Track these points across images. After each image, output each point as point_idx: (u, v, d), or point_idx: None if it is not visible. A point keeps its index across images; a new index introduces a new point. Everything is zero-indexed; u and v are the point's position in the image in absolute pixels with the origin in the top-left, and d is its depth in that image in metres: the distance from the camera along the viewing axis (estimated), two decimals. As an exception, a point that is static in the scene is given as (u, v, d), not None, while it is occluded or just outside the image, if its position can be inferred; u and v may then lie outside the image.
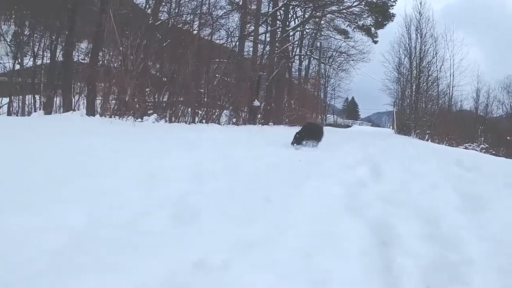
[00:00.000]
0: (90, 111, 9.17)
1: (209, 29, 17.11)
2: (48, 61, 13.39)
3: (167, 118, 9.40)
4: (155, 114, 8.85)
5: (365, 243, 2.76)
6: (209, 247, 2.44)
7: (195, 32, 15.54)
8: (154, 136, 6.60)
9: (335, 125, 42.39)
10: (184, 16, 16.51)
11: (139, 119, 8.37)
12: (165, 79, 9.97)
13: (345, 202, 3.75)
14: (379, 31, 29.30)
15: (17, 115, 10.14)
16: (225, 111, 14.16)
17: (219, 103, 13.17)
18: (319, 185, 4.33)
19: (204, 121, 10.94)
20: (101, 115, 7.99)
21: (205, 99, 13.01)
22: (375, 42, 30.37)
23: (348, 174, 5.19)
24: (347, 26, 28.16)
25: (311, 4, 24.45)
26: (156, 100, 9.49)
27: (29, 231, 2.41)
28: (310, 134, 8.68)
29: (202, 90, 13.22)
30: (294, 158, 6.51)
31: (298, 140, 8.42)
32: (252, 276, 2.16)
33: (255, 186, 4.11)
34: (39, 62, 14.52)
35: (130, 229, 2.67)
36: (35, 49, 11.38)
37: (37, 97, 11.10)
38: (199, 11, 17.21)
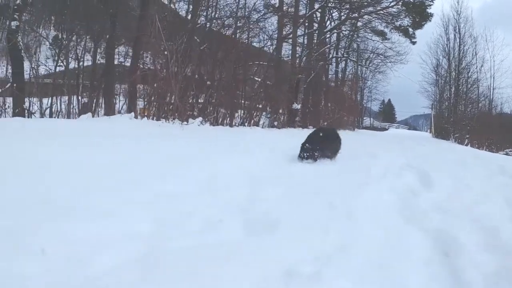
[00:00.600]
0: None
1: (247, 33, 17.00)
2: (89, 64, 13.61)
3: (211, 121, 9.22)
4: (200, 117, 8.68)
5: (428, 252, 2.78)
6: (295, 256, 2.46)
7: (233, 35, 15.43)
8: (204, 139, 6.50)
9: (372, 128, 41.43)
10: (222, 19, 16.45)
11: (185, 122, 8.23)
12: (209, 83, 9.84)
13: (400, 211, 3.76)
14: (417, 32, 28.40)
15: (57, 117, 10.20)
16: (263, 114, 13.90)
17: (259, 106, 12.92)
18: (371, 192, 4.34)
19: (246, 123, 10.72)
20: (147, 117, 7.88)
21: (246, 102, 12.81)
22: (413, 43, 29.44)
23: (396, 181, 5.18)
24: (384, 27, 27.44)
25: (347, 6, 23.95)
26: (200, 103, 9.34)
27: (100, 239, 2.46)
28: (323, 143, 6.25)
29: (242, 93, 13.04)
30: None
31: (306, 151, 6.05)
32: (341, 285, 2.22)
33: (312, 191, 4.13)
34: (76, 65, 14.81)
35: (206, 238, 2.71)
36: (78, 52, 11.40)
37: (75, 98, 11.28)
38: (237, 14, 17.11)
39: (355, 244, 2.76)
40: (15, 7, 11.94)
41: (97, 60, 12.29)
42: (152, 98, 8.52)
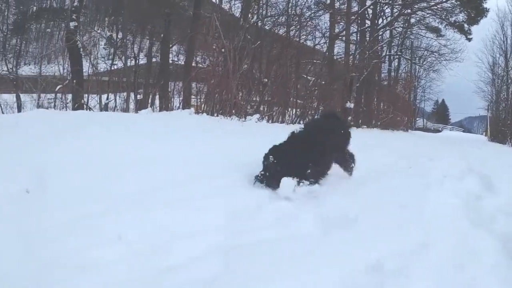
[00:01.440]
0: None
1: (299, 31, 16.65)
2: (144, 62, 13.88)
3: (267, 118, 8.98)
4: (257, 114, 8.46)
5: (497, 255, 2.72)
6: (377, 252, 2.50)
7: (285, 33, 15.16)
8: (265, 135, 6.21)
9: (424, 129, 39.77)
10: (273, 18, 16.21)
11: (243, 119, 8.04)
12: (265, 80, 9.63)
13: (466, 213, 3.68)
14: (473, 28, 26.82)
15: (113, 111, 10.38)
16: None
17: (313, 104, 12.56)
18: (435, 195, 4.24)
19: (301, 121, 10.41)
20: (206, 113, 7.76)
21: (298, 101, 12.50)
22: (469, 39, 27.87)
23: (457, 184, 5.03)
24: (438, 23, 26.15)
25: (400, 1, 23.03)
26: (257, 100, 9.14)
27: (179, 229, 2.61)
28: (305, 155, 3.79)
29: (294, 92, 12.75)
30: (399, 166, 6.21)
31: (270, 170, 3.64)
32: (424, 282, 2.25)
33: (378, 191, 4.12)
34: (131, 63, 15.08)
35: (282, 232, 2.78)
36: (134, 51, 11.57)
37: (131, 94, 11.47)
38: (288, 12, 16.80)
39: (430, 244, 2.76)
40: (73, 8, 12.26)
41: (152, 59, 12.41)
42: (211, 95, 8.37)
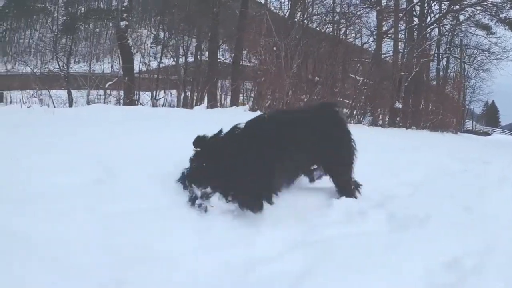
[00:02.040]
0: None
1: (346, 28, 16.30)
2: (192, 60, 14.04)
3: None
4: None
5: None
6: (451, 250, 2.48)
7: (332, 32, 14.87)
8: None
9: (474, 131, 38.09)
10: (320, 16, 15.94)
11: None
12: (317, 79, 9.45)
13: None
14: (525, 25, 25.29)
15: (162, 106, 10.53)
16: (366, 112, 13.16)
17: (361, 104, 12.24)
18: (496, 197, 4.12)
19: (352, 121, 10.13)
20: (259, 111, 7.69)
21: (347, 100, 12.22)
22: (521, 37, 26.37)
23: None
24: (488, 20, 24.89)
25: (448, -3, 22.13)
26: (304, 98, 8.94)
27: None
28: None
29: (339, 91, 12.45)
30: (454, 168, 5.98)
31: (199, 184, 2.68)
32: (499, 282, 2.21)
33: (442, 192, 4.07)
34: (172, 61, 15.24)
35: (353, 228, 2.79)
36: (183, 50, 11.73)
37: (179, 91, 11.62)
38: (334, 10, 16.48)
39: (499, 245, 2.70)
40: (123, 8, 12.52)
41: (199, 57, 12.51)
42: (263, 93, 8.29)
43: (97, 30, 31.80)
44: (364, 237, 2.68)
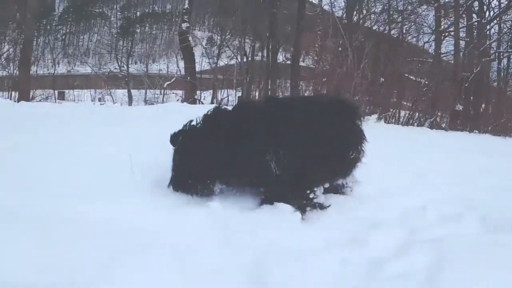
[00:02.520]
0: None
1: (402, 27, 15.89)
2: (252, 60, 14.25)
3: (385, 118, 8.64)
4: (375, 114, 8.17)
5: None
6: None
7: (387, 31, 14.57)
8: (397, 138, 6.05)
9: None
10: (376, 15, 15.65)
11: (363, 119, 7.80)
12: (382, 80, 9.30)
13: None
14: None
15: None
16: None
17: (423, 106, 11.89)
18: None
19: (415, 123, 9.87)
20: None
21: (406, 102, 11.90)
22: None
23: None
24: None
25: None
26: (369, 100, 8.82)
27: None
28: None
29: (395, 92, 12.16)
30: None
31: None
32: None
33: None
34: (228, 62, 15.42)
35: (453, 231, 2.79)
36: (247, 50, 11.91)
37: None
38: (390, 7, 16.14)
39: None
40: (184, 10, 12.86)
41: (260, 57, 12.66)
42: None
43: (154, 32, 32.95)
44: (468, 237, 2.69)
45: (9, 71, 14.47)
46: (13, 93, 11.89)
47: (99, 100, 18.14)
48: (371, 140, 4.84)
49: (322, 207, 2.80)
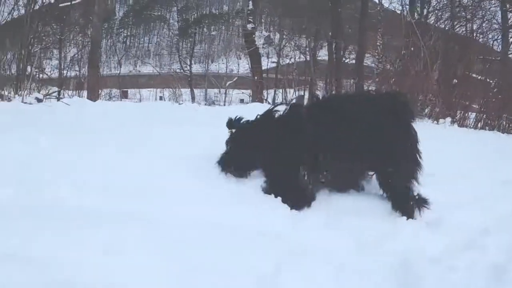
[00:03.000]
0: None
1: (466, 24, 15.38)
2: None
3: (458, 122, 8.48)
4: (449, 118, 8.07)
5: None
6: None
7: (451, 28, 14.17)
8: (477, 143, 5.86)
9: None
10: (438, 12, 15.27)
11: (435, 121, 7.78)
12: (455, 81, 9.13)
13: None
14: None
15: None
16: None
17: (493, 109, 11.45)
18: None
19: (487, 127, 9.57)
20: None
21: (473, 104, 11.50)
22: None
23: None
24: None
25: None
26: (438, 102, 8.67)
27: None
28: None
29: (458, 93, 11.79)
30: None
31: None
32: None
33: None
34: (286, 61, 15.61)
35: None
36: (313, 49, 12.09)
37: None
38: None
39: None
40: (248, 11, 13.25)
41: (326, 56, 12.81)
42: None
43: (213, 33, 33.93)
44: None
45: (77, 72, 15.22)
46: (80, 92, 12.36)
47: (160, 98, 18.72)
48: (453, 147, 4.84)
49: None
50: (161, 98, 18.44)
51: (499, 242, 2.41)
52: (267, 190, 2.93)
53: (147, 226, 2.26)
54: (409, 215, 2.80)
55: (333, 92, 10.67)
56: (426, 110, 8.45)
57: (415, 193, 2.91)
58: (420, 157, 2.95)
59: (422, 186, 3.11)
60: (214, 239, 2.24)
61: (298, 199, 2.86)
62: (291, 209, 2.80)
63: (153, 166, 3.11)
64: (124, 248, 2.01)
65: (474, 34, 13.89)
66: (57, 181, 2.73)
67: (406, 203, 2.86)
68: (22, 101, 7.06)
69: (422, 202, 2.88)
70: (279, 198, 2.83)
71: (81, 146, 3.42)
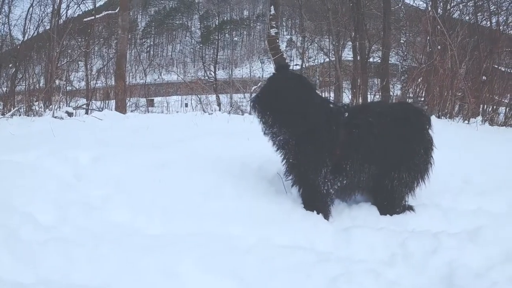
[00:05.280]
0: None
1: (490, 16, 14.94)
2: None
3: (489, 121, 8.21)
4: (480, 116, 7.81)
5: None
6: None
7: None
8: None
9: None
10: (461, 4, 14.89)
11: (466, 121, 7.54)
12: (484, 78, 8.86)
13: None
14: None
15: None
16: None
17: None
18: None
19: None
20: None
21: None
22: None
23: None
24: None
25: None
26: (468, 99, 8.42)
27: None
28: None
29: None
30: None
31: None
32: None
33: None
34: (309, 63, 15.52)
35: None
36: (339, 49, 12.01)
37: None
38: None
39: None
40: (270, 16, 13.25)
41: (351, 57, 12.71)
42: (432, 94, 8.08)
43: (235, 38, 34.26)
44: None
45: (103, 83, 15.48)
46: (108, 102, 12.55)
47: (186, 105, 18.86)
48: (487, 149, 4.60)
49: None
50: (186, 105, 18.55)
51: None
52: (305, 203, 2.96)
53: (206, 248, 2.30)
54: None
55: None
56: (456, 109, 8.21)
57: (407, 203, 3.02)
58: (430, 166, 2.98)
59: (457, 194, 3.07)
60: (281, 262, 2.26)
61: (326, 207, 2.88)
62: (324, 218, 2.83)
63: (200, 182, 3.09)
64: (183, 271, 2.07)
65: (500, 27, 13.46)
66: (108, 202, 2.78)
67: (396, 211, 2.96)
68: (53, 116, 7.17)
69: (409, 209, 2.98)
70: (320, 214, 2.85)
71: (125, 162, 3.38)
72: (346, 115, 2.89)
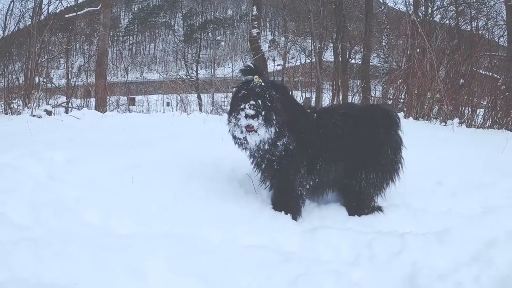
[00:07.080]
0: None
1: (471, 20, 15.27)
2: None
3: (466, 122, 8.38)
4: (457, 118, 7.98)
5: None
6: None
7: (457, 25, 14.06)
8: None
9: None
10: (442, 8, 15.18)
11: (443, 123, 7.69)
12: (462, 81, 9.03)
13: None
14: None
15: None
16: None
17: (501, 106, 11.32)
18: None
19: (495, 126, 9.45)
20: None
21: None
22: None
23: None
24: None
25: None
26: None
27: None
28: None
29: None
30: None
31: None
32: None
33: None
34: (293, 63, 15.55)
35: None
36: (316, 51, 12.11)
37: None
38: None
39: None
40: (253, 16, 13.27)
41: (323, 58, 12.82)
42: (410, 96, 8.22)
43: (218, 38, 34.15)
44: None
45: (83, 81, 15.17)
46: (88, 100, 12.32)
47: (168, 104, 18.64)
48: (462, 151, 4.65)
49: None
50: (168, 104, 18.35)
51: (507, 254, 2.35)
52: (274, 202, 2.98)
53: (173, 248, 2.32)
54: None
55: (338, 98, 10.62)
56: (434, 111, 8.37)
57: (376, 204, 3.05)
58: (400, 167, 3.01)
59: (429, 195, 3.09)
60: (245, 262, 2.29)
61: (298, 208, 2.91)
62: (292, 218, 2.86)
63: (172, 183, 3.12)
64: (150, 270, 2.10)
65: (480, 32, 13.75)
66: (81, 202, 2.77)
67: (365, 212, 2.99)
68: (31, 114, 7.04)
69: (378, 210, 3.02)
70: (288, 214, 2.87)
71: (99, 163, 3.39)
72: (315, 117, 2.93)
